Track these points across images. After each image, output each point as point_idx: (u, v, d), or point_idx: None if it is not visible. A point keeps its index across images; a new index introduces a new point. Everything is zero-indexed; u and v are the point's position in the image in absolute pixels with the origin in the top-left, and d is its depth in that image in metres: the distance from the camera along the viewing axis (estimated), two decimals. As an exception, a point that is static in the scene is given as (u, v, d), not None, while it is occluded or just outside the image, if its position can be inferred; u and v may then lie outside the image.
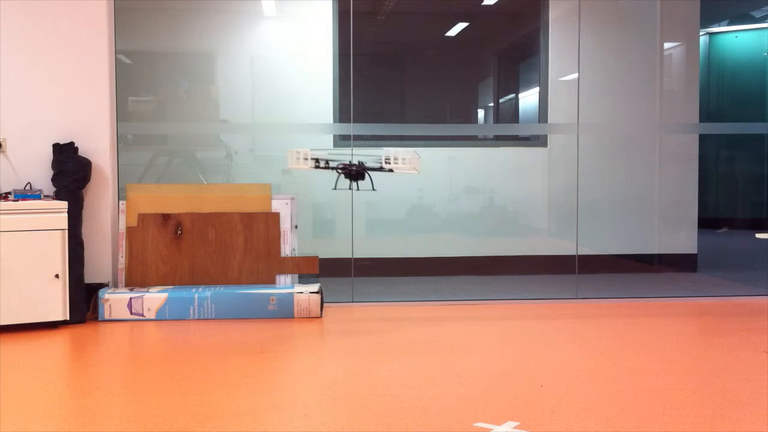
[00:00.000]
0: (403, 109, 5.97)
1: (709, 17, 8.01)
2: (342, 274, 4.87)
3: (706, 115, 8.11)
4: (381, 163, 3.89)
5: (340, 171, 3.87)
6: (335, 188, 3.88)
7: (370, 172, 3.90)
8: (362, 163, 3.89)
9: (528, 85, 5.87)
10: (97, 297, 4.08)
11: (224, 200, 4.38)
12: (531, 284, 5.16)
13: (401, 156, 3.77)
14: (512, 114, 6.02)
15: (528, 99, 5.87)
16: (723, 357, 3.21)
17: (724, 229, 8.03)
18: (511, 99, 6.01)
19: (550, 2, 5.64)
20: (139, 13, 5.31)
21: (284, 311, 4.09)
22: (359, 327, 3.86)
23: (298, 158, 3.94)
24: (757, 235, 4.85)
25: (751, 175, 7.96)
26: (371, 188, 3.99)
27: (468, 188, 5.67)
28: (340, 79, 5.41)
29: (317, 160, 3.81)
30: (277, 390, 2.77)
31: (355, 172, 3.87)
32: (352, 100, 5.09)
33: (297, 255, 4.44)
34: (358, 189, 3.90)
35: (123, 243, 4.30)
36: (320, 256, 4.46)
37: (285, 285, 4.26)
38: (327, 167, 3.84)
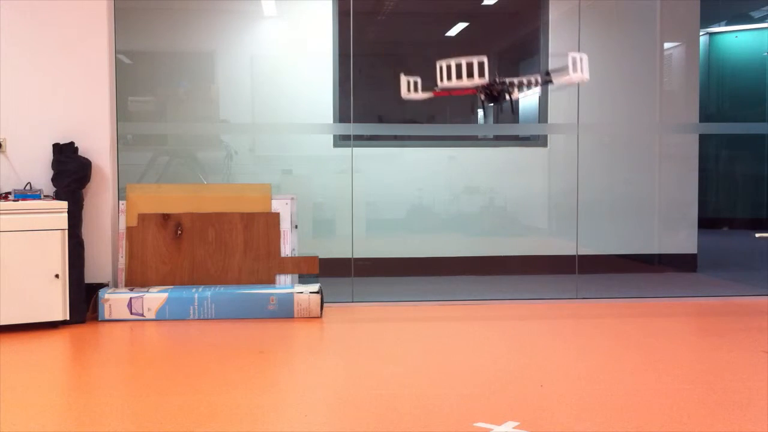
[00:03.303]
0: (403, 109, 5.97)
1: (709, 17, 8.01)
2: (342, 274, 4.87)
3: (706, 115, 8.11)
4: (539, 77, 3.22)
5: (480, 92, 3.15)
6: (482, 107, 3.30)
7: (517, 90, 3.19)
8: (507, 81, 3.17)
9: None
10: (97, 297, 4.08)
11: (224, 200, 4.38)
12: (531, 284, 5.16)
13: (579, 58, 3.07)
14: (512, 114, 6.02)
15: (528, 99, 5.87)
16: (723, 357, 3.20)
17: (724, 229, 8.03)
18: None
19: (550, 2, 5.64)
20: (139, 13, 5.31)
21: (284, 311, 4.09)
22: (359, 327, 3.86)
23: (410, 85, 3.30)
24: (757, 235, 4.85)
25: (751, 175, 7.96)
26: (511, 110, 3.44)
27: (468, 188, 5.67)
28: (340, 79, 5.41)
29: (443, 70, 3.08)
30: (277, 390, 2.77)
31: (498, 93, 3.16)
32: (352, 100, 5.09)
33: (297, 255, 4.44)
34: (502, 111, 3.34)
35: (123, 243, 4.30)
36: (320, 256, 4.46)
37: (285, 285, 4.26)
38: (456, 90, 3.10)
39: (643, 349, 3.34)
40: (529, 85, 3.24)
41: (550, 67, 3.28)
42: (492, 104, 3.19)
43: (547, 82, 3.20)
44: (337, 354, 3.30)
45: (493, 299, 4.62)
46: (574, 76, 3.08)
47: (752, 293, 4.75)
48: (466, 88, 3.09)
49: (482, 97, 3.17)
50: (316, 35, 5.46)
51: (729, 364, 3.08)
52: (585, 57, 3.09)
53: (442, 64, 3.04)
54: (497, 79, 3.14)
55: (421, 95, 3.23)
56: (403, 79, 3.32)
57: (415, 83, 3.37)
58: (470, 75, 3.06)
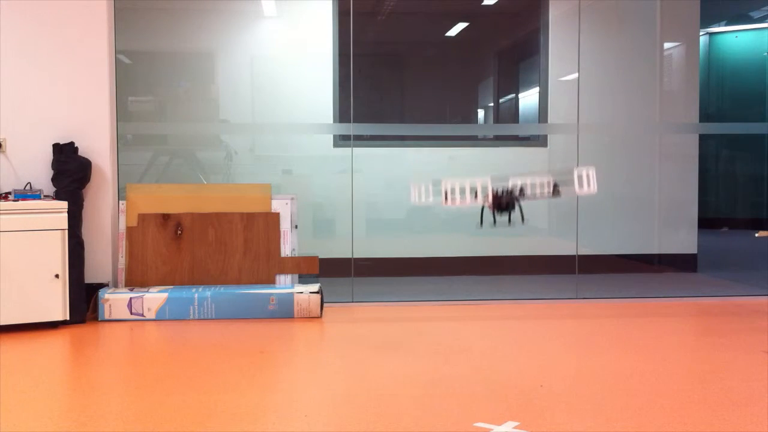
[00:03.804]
0: (403, 109, 5.97)
1: (709, 17, 8.01)
2: (342, 274, 4.87)
3: (706, 115, 8.11)
4: (546, 186, 3.18)
5: (487, 205, 3.12)
6: (481, 225, 3.19)
7: (524, 200, 3.15)
8: (515, 190, 3.15)
9: (528, 85, 5.87)
10: (97, 297, 4.08)
11: (224, 200, 4.38)
12: (531, 284, 5.16)
13: (585, 174, 3.08)
14: (512, 114, 6.02)
15: (528, 99, 5.87)
16: (723, 357, 3.20)
17: (724, 229, 8.03)
18: (511, 99, 6.01)
19: (550, 2, 5.64)
20: (139, 13, 5.31)
21: (284, 311, 4.09)
22: (359, 327, 3.86)
23: (420, 192, 3.24)
24: (757, 234, 4.85)
25: (751, 175, 7.96)
26: (521, 221, 3.30)
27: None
28: (340, 78, 5.41)
29: (448, 192, 3.03)
30: (277, 390, 2.77)
31: (506, 203, 3.14)
32: (352, 100, 5.09)
33: (297, 255, 4.44)
34: (509, 223, 3.17)
35: (123, 243, 4.30)
36: (320, 256, 4.46)
37: (285, 285, 4.26)
38: (464, 200, 3.05)
39: (643, 349, 3.34)
40: (533, 197, 3.23)
41: (556, 175, 3.29)
42: (503, 214, 3.18)
43: (555, 194, 3.22)
44: (337, 354, 3.30)
45: (493, 299, 4.62)
46: (580, 191, 3.12)
47: (752, 293, 4.75)
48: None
49: (492, 209, 3.17)
50: (316, 35, 5.46)
51: (729, 364, 3.08)
52: (592, 171, 3.12)
53: (447, 185, 3.06)
54: (504, 191, 3.15)
55: (431, 202, 3.22)
56: (414, 187, 3.31)
57: (427, 188, 3.36)
58: (474, 195, 3.09)
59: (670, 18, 5.71)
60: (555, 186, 3.22)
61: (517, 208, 3.17)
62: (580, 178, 3.12)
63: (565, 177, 3.13)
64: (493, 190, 3.15)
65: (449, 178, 3.02)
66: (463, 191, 3.03)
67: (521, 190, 3.21)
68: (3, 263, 3.72)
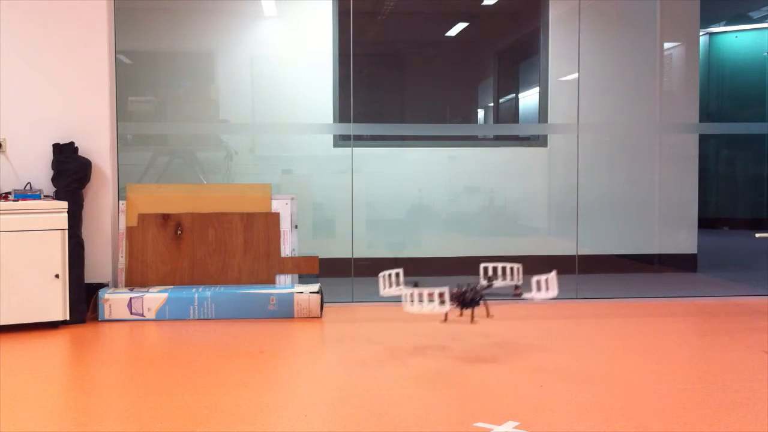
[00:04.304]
0: (403, 109, 5.97)
1: (709, 17, 8.02)
2: (342, 274, 4.87)
3: (706, 115, 8.11)
4: (510, 286, 3.39)
5: (451, 302, 3.23)
6: (445, 320, 3.37)
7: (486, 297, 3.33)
8: (479, 287, 3.31)
9: (528, 85, 5.87)
10: (97, 297, 4.08)
11: (224, 200, 4.38)
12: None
13: (543, 279, 3.24)
14: (512, 114, 6.02)
15: (528, 99, 5.87)
16: (723, 357, 3.21)
17: (724, 229, 8.03)
18: (511, 99, 6.01)
19: (550, 2, 5.64)
20: (139, 13, 5.31)
21: (284, 311, 4.09)
22: (359, 327, 3.86)
23: (388, 282, 3.39)
24: (757, 235, 4.85)
25: (751, 175, 7.96)
26: (486, 316, 3.51)
27: (468, 188, 5.67)
28: (340, 78, 5.41)
29: (410, 297, 3.13)
30: (277, 390, 2.77)
31: (470, 300, 3.25)
32: (352, 100, 5.09)
33: (297, 255, 4.44)
34: (472, 321, 3.43)
35: (123, 243, 4.30)
36: (320, 256, 4.46)
37: (285, 285, 4.26)
38: (430, 299, 3.15)
39: (643, 349, 3.34)
40: (494, 295, 3.45)
41: (518, 280, 3.50)
42: (467, 309, 3.32)
43: (517, 295, 3.38)
44: (337, 354, 3.30)
45: (494, 299, 4.62)
46: (537, 296, 3.27)
47: (752, 293, 4.75)
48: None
49: (456, 304, 3.30)
50: (316, 35, 5.46)
51: (729, 364, 3.08)
52: (552, 276, 3.26)
53: (408, 293, 3.18)
54: (467, 289, 3.30)
55: (400, 292, 3.33)
56: (381, 277, 3.44)
57: (397, 275, 3.50)
58: (435, 301, 3.20)
59: (670, 18, 5.71)
60: (517, 287, 3.40)
61: (481, 303, 3.33)
62: (538, 284, 3.27)
63: (529, 280, 3.31)
64: (458, 287, 3.32)
65: (413, 289, 3.17)
66: (421, 297, 3.18)
67: (485, 287, 3.40)
68: (3, 263, 3.73)
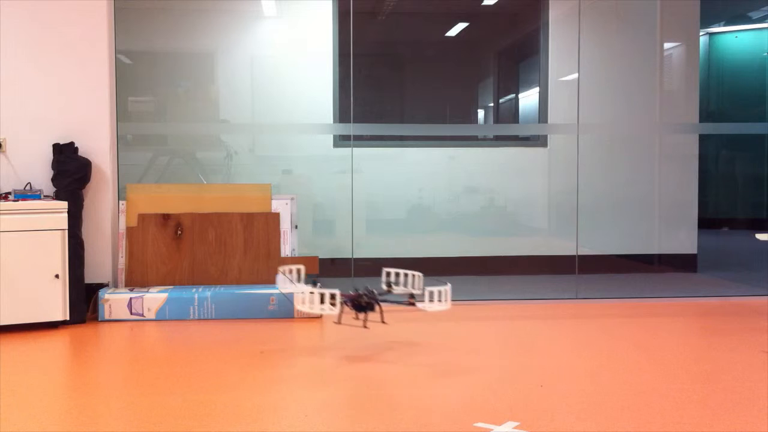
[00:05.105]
0: (403, 109, 5.97)
1: (709, 17, 8.02)
2: (342, 274, 4.87)
3: (706, 115, 8.11)
4: (406, 297, 3.45)
5: (348, 304, 3.33)
6: (339, 322, 3.45)
7: (381, 302, 3.39)
8: (374, 291, 3.39)
9: (528, 85, 5.87)
10: (97, 297, 4.08)
11: (224, 200, 4.38)
12: (531, 284, 5.16)
13: (436, 291, 3.32)
14: (512, 114, 6.02)
15: (528, 99, 5.87)
16: (723, 357, 3.21)
17: (724, 229, 8.03)
18: (511, 99, 6.01)
19: (550, 2, 5.64)
20: (139, 13, 5.31)
21: (284, 311, 4.09)
22: (359, 327, 3.86)
23: (285, 280, 3.49)
24: (757, 236, 4.85)
25: (751, 175, 7.96)
26: (381, 321, 3.65)
27: (468, 188, 5.67)
28: (340, 79, 5.41)
29: (323, 296, 3.24)
30: (277, 390, 2.77)
31: (365, 303, 3.34)
32: (352, 100, 5.09)
33: (297, 255, 4.44)
34: (364, 326, 3.43)
35: (123, 243, 4.31)
36: (320, 256, 4.46)
37: (285, 285, 4.26)
38: (333, 302, 3.25)
39: (643, 349, 3.34)
40: (391, 301, 3.45)
41: (417, 287, 3.58)
42: (362, 312, 3.36)
43: (410, 304, 3.42)
44: (337, 354, 3.30)
45: (493, 299, 4.62)
46: (429, 307, 3.30)
47: (752, 293, 4.75)
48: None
49: (350, 307, 3.35)
50: (316, 35, 5.46)
51: (729, 364, 3.08)
52: (446, 289, 3.32)
53: (300, 292, 3.26)
54: (364, 292, 3.35)
55: (296, 289, 3.39)
56: (281, 272, 3.48)
57: (298, 271, 3.58)
58: (326, 302, 3.26)
59: (670, 18, 5.71)
60: (411, 296, 3.43)
61: (376, 308, 3.36)
62: (431, 294, 3.31)
63: (430, 289, 3.36)
64: (354, 290, 3.36)
65: (307, 291, 3.25)
66: (321, 299, 3.25)
67: (384, 292, 3.45)
68: (3, 263, 3.73)
